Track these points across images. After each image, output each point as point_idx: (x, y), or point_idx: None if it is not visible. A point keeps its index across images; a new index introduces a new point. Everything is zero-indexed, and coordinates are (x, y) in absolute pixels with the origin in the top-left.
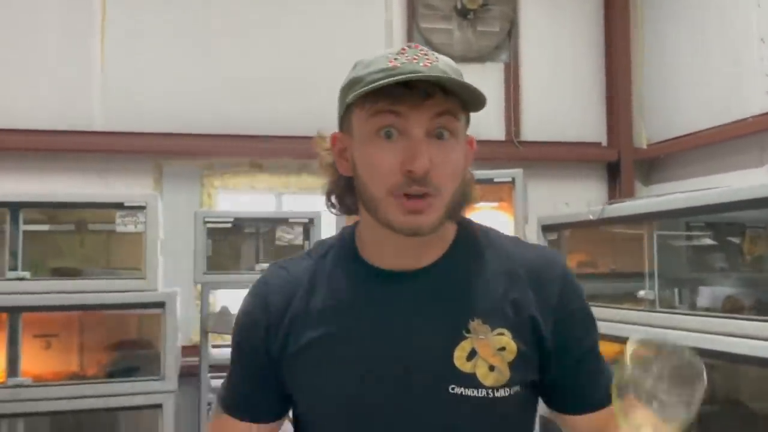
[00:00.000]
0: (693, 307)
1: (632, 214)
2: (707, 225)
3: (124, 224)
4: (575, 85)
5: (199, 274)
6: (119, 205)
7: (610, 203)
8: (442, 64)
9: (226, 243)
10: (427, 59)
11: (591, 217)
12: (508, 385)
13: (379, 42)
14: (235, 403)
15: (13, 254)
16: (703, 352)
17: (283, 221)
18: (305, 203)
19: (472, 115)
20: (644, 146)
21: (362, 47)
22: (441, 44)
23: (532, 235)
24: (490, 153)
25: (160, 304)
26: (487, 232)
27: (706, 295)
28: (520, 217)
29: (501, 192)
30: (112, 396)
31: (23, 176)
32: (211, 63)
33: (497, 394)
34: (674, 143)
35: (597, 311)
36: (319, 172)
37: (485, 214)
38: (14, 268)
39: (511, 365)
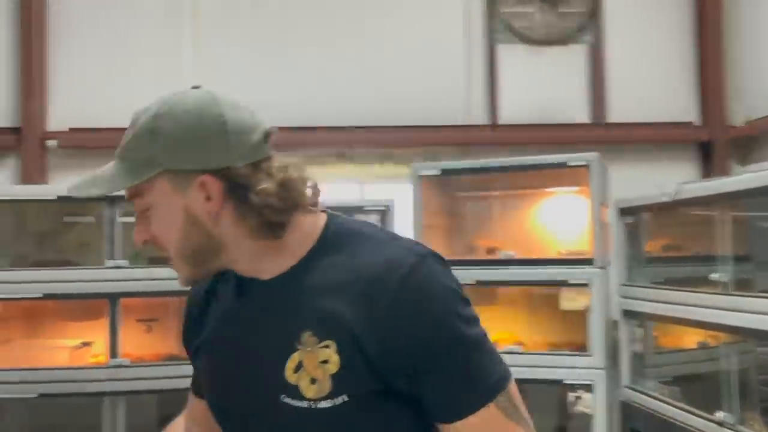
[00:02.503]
0: None
1: (706, 195)
2: None
3: None
4: (663, 63)
5: None
6: None
7: (684, 184)
8: (107, 168)
9: None
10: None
11: (665, 198)
12: (330, 396)
13: (457, 30)
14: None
15: (111, 244)
16: None
17: (358, 209)
18: (387, 192)
19: (554, 98)
20: (740, 124)
21: (441, 36)
22: (522, 28)
23: (611, 220)
24: (574, 136)
25: None
26: (355, 235)
27: None
28: (596, 201)
29: (579, 176)
30: None
31: None
32: (297, 58)
33: (320, 406)
34: None
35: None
36: None
37: (563, 199)
38: (112, 257)
39: (334, 377)
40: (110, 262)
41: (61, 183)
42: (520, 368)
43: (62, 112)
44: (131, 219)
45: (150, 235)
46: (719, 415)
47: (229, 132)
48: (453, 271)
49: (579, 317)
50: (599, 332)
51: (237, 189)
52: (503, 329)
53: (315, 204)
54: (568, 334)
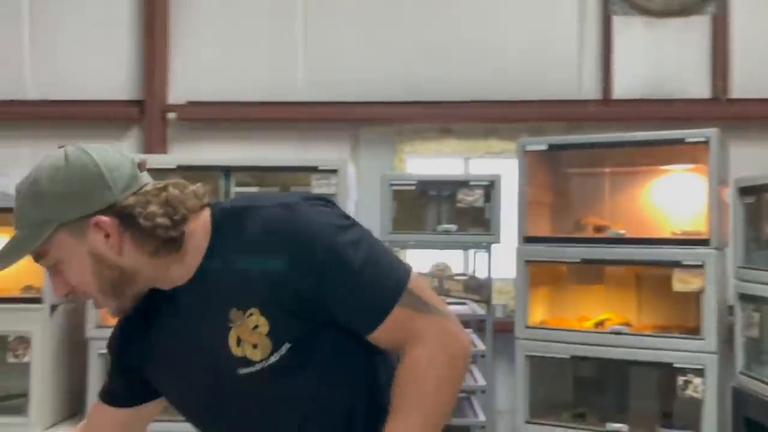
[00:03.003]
0: None
1: None
2: None
3: (319, 186)
4: None
5: (385, 234)
6: (314, 169)
7: None
8: (9, 242)
9: (411, 205)
10: None
11: None
12: (274, 350)
13: (572, 1)
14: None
15: None
16: None
17: (464, 184)
18: (491, 167)
19: (672, 72)
20: None
21: (552, 6)
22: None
23: (730, 199)
24: (692, 112)
25: None
26: (237, 213)
27: None
28: (714, 179)
29: (696, 153)
30: None
31: (242, 144)
32: (402, 33)
33: (270, 362)
34: None
35: None
36: None
37: (678, 177)
38: None
39: (270, 335)
40: None
41: (181, 154)
42: (627, 349)
43: (181, 87)
44: (250, 189)
45: (69, 286)
46: None
47: (103, 171)
48: (557, 247)
49: (691, 300)
50: (713, 315)
51: (128, 219)
52: (609, 309)
53: (202, 206)
54: (678, 317)
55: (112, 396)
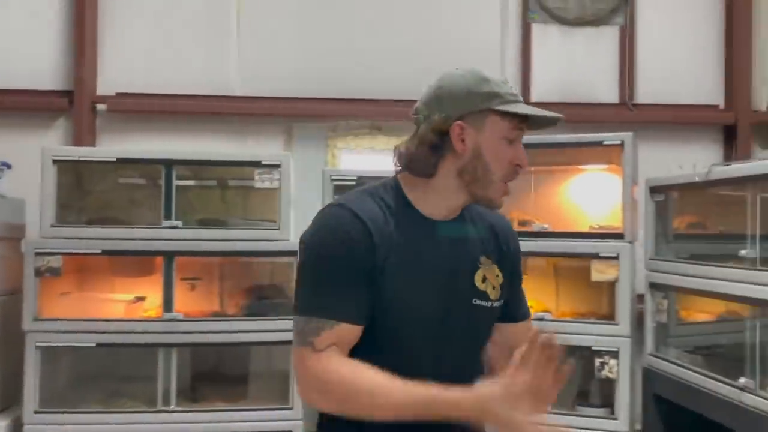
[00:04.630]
0: None
1: (735, 177)
2: None
3: (261, 180)
4: (692, 47)
5: None
6: (257, 163)
7: (715, 166)
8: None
9: None
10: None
11: (697, 179)
12: (499, 299)
13: (494, 8)
14: (353, 310)
15: (167, 205)
16: None
17: None
18: None
19: (585, 78)
20: (764, 109)
21: (476, 14)
22: (556, 8)
23: (640, 197)
24: (602, 116)
25: (293, 253)
26: None
27: None
28: (628, 179)
29: (611, 154)
30: (248, 332)
31: (173, 136)
32: (335, 31)
33: (495, 305)
34: None
35: (704, 270)
36: (411, 141)
37: (595, 176)
38: (169, 218)
39: (501, 287)
40: (166, 223)
41: (110, 145)
42: None
43: (112, 78)
44: (187, 182)
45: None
46: (741, 380)
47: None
48: None
49: (606, 288)
50: (626, 302)
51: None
52: (532, 298)
53: None
54: (594, 305)
55: (358, 311)
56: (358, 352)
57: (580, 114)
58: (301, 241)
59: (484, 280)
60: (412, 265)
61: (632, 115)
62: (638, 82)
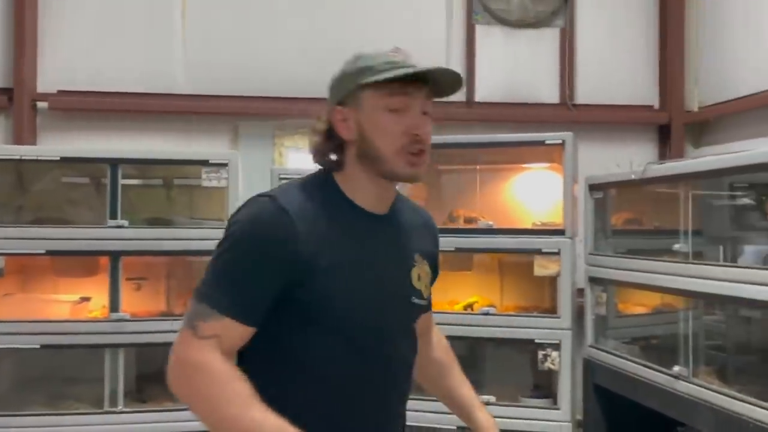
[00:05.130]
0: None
1: (668, 175)
2: (750, 185)
3: (209, 179)
4: (629, 48)
5: None
6: (205, 162)
7: (651, 164)
8: (428, 64)
9: None
10: (412, 60)
11: (633, 177)
12: (428, 297)
13: (439, 10)
14: (246, 309)
15: (113, 205)
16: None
17: None
18: None
19: (527, 78)
20: (696, 109)
21: (422, 15)
22: (499, 10)
23: (580, 194)
24: (544, 115)
25: None
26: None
27: (748, 252)
28: (569, 177)
29: (552, 153)
30: None
31: (117, 135)
32: (282, 30)
33: (425, 303)
34: (726, 106)
35: (640, 264)
36: (310, 137)
37: (537, 174)
38: (114, 217)
39: (429, 285)
40: (112, 222)
41: (52, 144)
42: (495, 328)
43: (53, 76)
44: (131, 181)
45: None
46: (675, 369)
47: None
48: None
49: (548, 283)
50: (567, 296)
51: None
52: (477, 293)
53: None
54: (536, 299)
55: (251, 312)
56: (308, 354)
57: (524, 114)
58: (228, 224)
59: (419, 278)
60: (350, 261)
61: (572, 115)
62: (578, 82)
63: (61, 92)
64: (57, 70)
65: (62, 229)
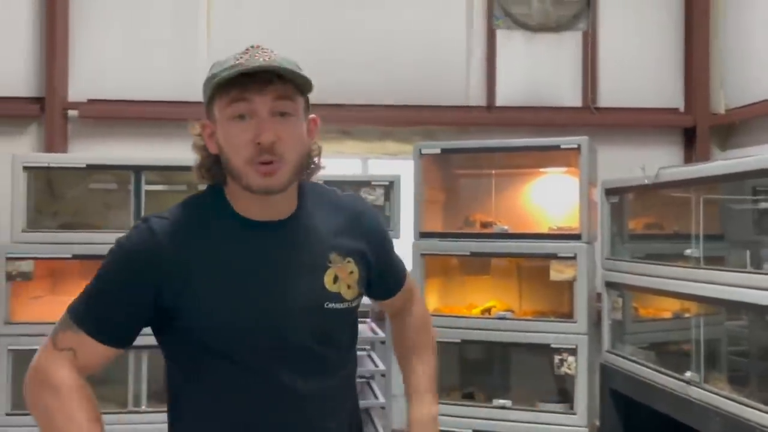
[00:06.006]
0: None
1: (681, 179)
2: None
3: None
4: (653, 51)
5: None
6: None
7: (663, 169)
8: (279, 59)
9: None
10: (266, 55)
11: (646, 182)
12: (358, 296)
13: (459, 15)
14: (100, 326)
15: (137, 210)
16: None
17: (366, 183)
18: (388, 167)
19: (548, 82)
20: (722, 112)
21: (443, 22)
22: (520, 15)
23: (599, 199)
24: (565, 119)
25: None
26: (320, 187)
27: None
28: (585, 181)
29: (569, 157)
30: None
31: (145, 142)
32: (303, 37)
33: (353, 304)
34: (752, 108)
35: (654, 269)
36: (193, 152)
37: (554, 178)
38: None
39: (358, 283)
40: None
41: (82, 151)
42: (512, 333)
43: (83, 85)
44: (157, 187)
45: (278, 136)
46: (687, 374)
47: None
48: (449, 242)
49: (565, 287)
50: (584, 301)
51: None
52: (496, 298)
53: None
54: (554, 303)
55: (106, 332)
56: (202, 383)
57: (545, 118)
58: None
59: (335, 280)
60: (232, 277)
61: (595, 119)
62: (600, 86)
63: (91, 101)
64: (87, 79)
65: (88, 234)
